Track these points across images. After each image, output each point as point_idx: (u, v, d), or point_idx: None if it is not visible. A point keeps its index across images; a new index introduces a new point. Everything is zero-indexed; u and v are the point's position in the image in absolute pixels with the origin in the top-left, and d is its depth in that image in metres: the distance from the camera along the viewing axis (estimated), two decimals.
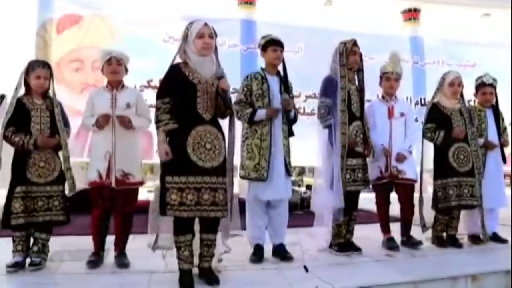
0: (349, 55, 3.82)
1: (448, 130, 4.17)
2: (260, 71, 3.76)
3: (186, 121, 2.94)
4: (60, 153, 3.47)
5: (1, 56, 5.80)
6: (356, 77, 3.92)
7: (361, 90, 3.91)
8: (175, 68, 3.04)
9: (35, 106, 3.41)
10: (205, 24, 3.02)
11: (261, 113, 3.58)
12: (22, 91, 3.46)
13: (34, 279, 3.11)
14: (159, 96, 3.00)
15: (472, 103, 5.06)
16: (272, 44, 3.69)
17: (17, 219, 3.24)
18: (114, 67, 3.54)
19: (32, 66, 3.43)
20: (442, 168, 4.20)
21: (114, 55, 3.54)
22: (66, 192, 3.47)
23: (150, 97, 6.24)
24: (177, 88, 2.98)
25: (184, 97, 2.96)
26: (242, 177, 3.66)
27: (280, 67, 3.76)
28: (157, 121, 2.96)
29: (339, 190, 3.65)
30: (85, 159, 5.26)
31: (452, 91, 4.24)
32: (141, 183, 3.61)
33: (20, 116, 3.36)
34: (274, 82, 3.70)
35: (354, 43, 3.85)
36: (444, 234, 4.27)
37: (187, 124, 2.93)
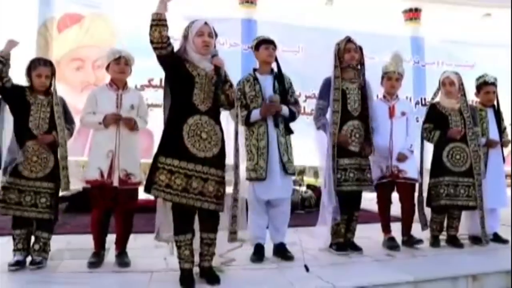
0: (343, 53, 3.84)
1: (445, 130, 4.18)
2: (251, 72, 3.78)
3: (183, 110, 2.96)
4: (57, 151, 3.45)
5: None
6: (358, 74, 3.90)
7: (363, 87, 3.87)
8: (179, 57, 3.03)
9: (36, 101, 3.40)
10: (205, 23, 3.05)
11: (255, 113, 3.60)
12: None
13: (35, 277, 3.11)
14: None
15: (473, 103, 5.03)
16: (264, 43, 3.72)
17: None
18: (123, 67, 3.54)
19: (34, 64, 3.43)
20: (435, 167, 4.22)
21: (124, 55, 3.55)
22: (65, 191, 3.46)
23: (151, 96, 6.31)
24: (175, 75, 3.00)
25: (181, 87, 2.98)
26: (246, 178, 3.67)
27: (274, 66, 3.77)
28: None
29: (330, 190, 3.69)
30: (85, 158, 5.25)
31: (445, 91, 4.27)
32: (140, 183, 3.60)
33: (19, 106, 3.37)
34: (267, 82, 3.71)
35: (348, 40, 3.86)
36: (443, 233, 4.27)
37: (184, 113, 2.95)
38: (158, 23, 2.85)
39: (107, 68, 3.59)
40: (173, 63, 2.98)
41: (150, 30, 2.86)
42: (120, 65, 3.52)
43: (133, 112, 3.53)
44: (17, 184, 3.29)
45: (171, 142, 2.92)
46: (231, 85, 3.07)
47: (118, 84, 3.56)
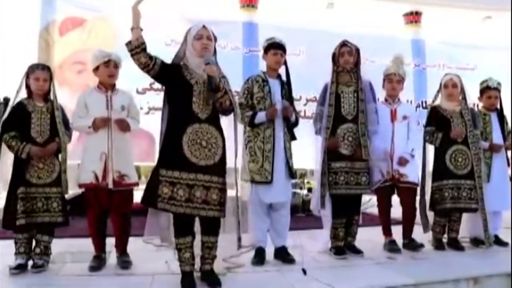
0: (338, 58, 3.85)
1: (447, 133, 4.18)
2: (261, 73, 3.76)
3: (182, 119, 2.96)
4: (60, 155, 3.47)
5: (4, 57, 5.83)
6: (354, 77, 3.88)
7: (358, 90, 3.85)
8: (175, 66, 3.06)
9: (35, 109, 3.42)
10: (203, 26, 3.06)
11: (261, 115, 3.59)
12: (24, 94, 3.48)
13: (36, 280, 3.12)
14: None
15: (476, 107, 5.01)
16: (273, 48, 3.70)
17: (19, 219, 3.25)
18: (112, 70, 3.53)
19: (31, 69, 3.45)
20: (439, 170, 4.21)
21: (113, 58, 3.54)
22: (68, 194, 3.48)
23: (152, 99, 6.32)
24: (173, 85, 3.01)
25: (180, 95, 2.98)
26: (246, 180, 3.67)
27: (282, 71, 3.77)
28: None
29: (317, 194, 3.74)
30: None
31: (446, 93, 4.28)
32: (137, 184, 3.61)
33: (20, 119, 3.39)
34: (275, 85, 3.71)
35: (342, 44, 3.87)
36: (444, 236, 4.28)
37: (183, 122, 2.95)
38: (137, 51, 2.88)
39: (95, 70, 3.56)
40: (169, 75, 2.99)
41: (132, 58, 2.91)
42: (109, 68, 3.51)
43: (124, 113, 3.53)
44: (29, 192, 3.31)
45: (171, 154, 2.92)
46: (225, 92, 3.02)
47: (107, 86, 3.55)
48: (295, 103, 3.92)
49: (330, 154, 3.76)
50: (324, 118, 3.79)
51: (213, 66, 2.97)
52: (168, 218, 3.11)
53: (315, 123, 3.93)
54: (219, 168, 3.00)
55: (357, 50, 3.87)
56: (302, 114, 6.77)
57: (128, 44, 2.90)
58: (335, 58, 3.89)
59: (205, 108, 3.00)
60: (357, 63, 3.90)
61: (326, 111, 3.79)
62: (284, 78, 3.78)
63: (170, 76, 3.00)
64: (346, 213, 3.87)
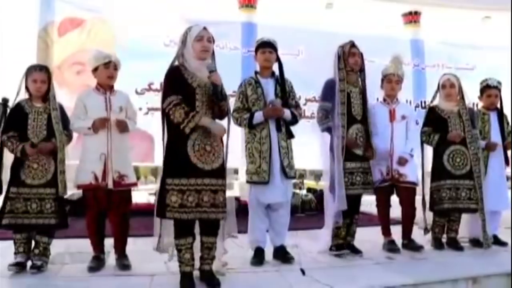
0: (347, 57, 3.82)
1: (444, 133, 4.18)
2: (253, 75, 3.77)
3: None
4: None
5: (2, 58, 5.83)
6: (359, 79, 3.90)
7: (363, 91, 3.88)
8: (175, 70, 3.04)
9: (33, 109, 3.42)
10: (204, 28, 3.04)
11: (258, 115, 3.58)
12: (25, 95, 3.48)
13: (35, 281, 3.11)
14: (172, 93, 2.92)
15: (475, 106, 5.01)
16: (261, 47, 3.71)
17: (4, 219, 3.26)
18: (112, 72, 3.51)
19: (29, 70, 3.45)
20: (437, 171, 4.21)
21: (113, 59, 3.53)
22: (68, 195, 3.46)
23: (151, 99, 6.33)
24: (177, 90, 2.98)
25: (184, 99, 2.95)
26: (247, 181, 3.67)
27: (276, 68, 3.75)
28: (187, 115, 2.85)
29: (340, 193, 3.65)
30: None
31: (445, 93, 4.27)
32: (135, 184, 3.61)
33: (18, 120, 3.38)
34: (269, 85, 3.70)
35: (352, 45, 3.85)
36: (444, 236, 4.28)
37: None
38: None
39: (94, 71, 3.55)
40: (178, 87, 2.96)
41: None
42: (109, 69, 3.49)
43: (122, 114, 3.53)
44: (22, 193, 3.29)
45: (177, 162, 2.91)
46: (225, 99, 3.05)
47: (105, 87, 3.54)
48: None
49: (345, 154, 3.70)
50: (337, 116, 3.72)
51: (219, 75, 2.97)
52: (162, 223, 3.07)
53: (322, 120, 3.81)
54: (222, 170, 3.01)
55: (361, 55, 3.87)
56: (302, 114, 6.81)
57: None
58: (344, 56, 3.83)
59: (207, 112, 3.00)
60: (361, 67, 3.89)
61: (338, 109, 3.72)
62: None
63: (178, 86, 2.96)
64: (351, 212, 3.85)
